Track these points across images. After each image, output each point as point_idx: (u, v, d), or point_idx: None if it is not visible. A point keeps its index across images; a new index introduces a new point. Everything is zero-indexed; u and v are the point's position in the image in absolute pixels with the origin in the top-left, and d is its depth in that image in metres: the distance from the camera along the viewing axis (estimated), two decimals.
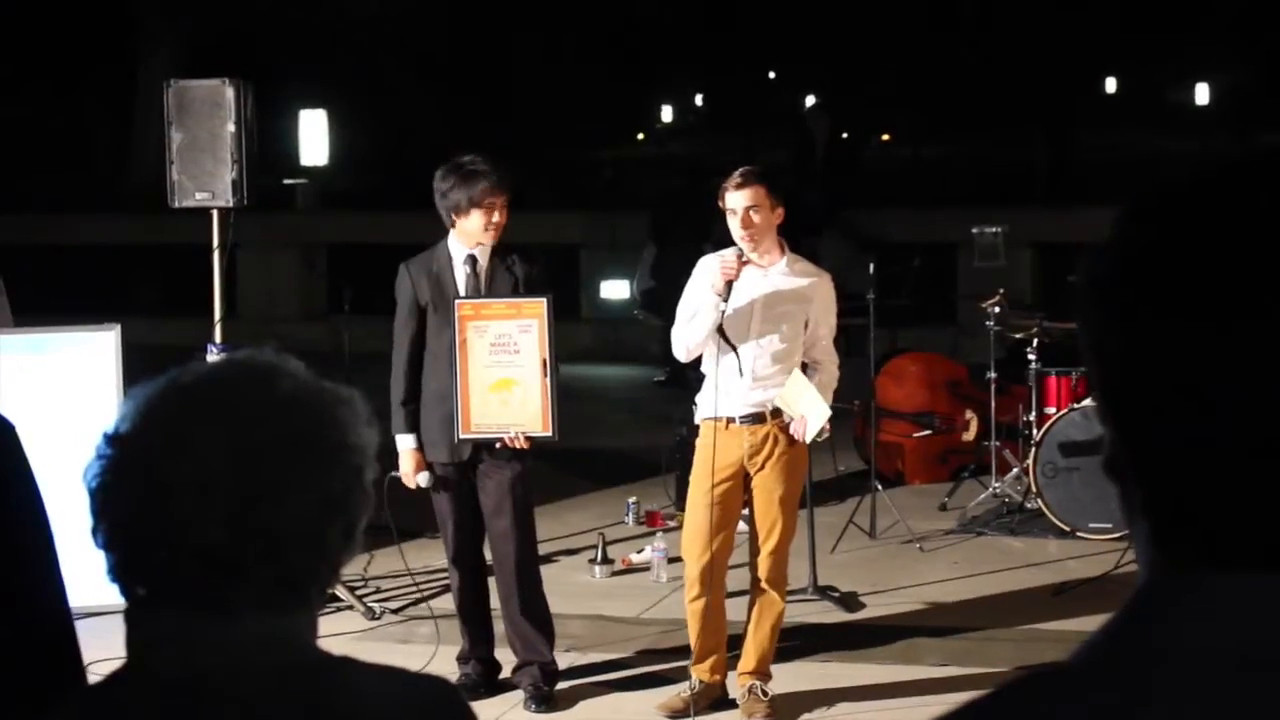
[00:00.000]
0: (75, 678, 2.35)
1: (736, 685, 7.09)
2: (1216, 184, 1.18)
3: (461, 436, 7.01)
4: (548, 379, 6.96)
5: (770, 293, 6.86)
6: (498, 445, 7.03)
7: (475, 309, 6.99)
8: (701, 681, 7.05)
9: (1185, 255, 1.15)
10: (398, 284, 7.19)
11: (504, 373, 6.98)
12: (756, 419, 6.88)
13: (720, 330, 6.80)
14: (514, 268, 7.12)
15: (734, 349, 6.85)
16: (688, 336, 6.90)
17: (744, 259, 6.78)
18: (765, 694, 7.02)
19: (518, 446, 6.98)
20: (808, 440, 6.90)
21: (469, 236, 7.05)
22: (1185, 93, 48.85)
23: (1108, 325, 1.19)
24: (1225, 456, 1.14)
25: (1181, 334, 1.14)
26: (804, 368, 7.00)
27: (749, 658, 7.06)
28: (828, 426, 6.97)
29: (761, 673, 7.05)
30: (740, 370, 6.85)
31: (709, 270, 6.85)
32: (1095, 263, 1.21)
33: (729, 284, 6.75)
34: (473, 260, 7.10)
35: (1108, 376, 1.20)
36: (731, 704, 7.08)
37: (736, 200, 6.76)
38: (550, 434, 6.99)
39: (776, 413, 6.88)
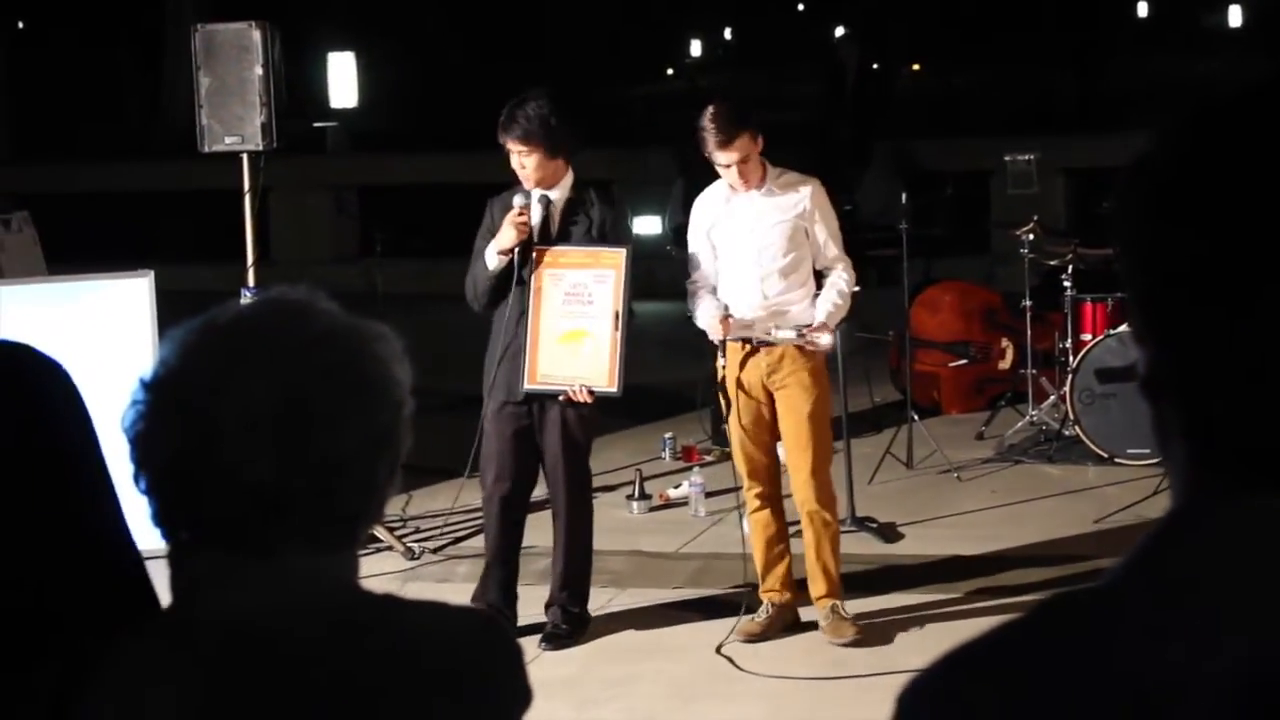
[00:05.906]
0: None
1: (816, 610, 7.11)
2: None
3: (527, 387, 6.94)
4: (618, 332, 6.89)
5: (759, 213, 6.98)
6: (560, 399, 6.96)
7: (554, 256, 6.94)
8: (773, 604, 7.09)
9: (1247, 157, 1.13)
10: (485, 218, 7.11)
11: (576, 324, 6.91)
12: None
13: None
14: (591, 209, 7.04)
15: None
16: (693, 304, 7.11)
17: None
18: (847, 613, 7.05)
19: (580, 400, 6.90)
20: (822, 345, 6.94)
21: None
22: (1218, 15, 48.36)
23: (1159, 228, 1.16)
24: (1273, 376, 1.12)
25: (1238, 236, 1.12)
26: (819, 276, 7.04)
27: (818, 582, 7.08)
28: (829, 338, 6.98)
29: (835, 594, 7.08)
30: (751, 292, 6.97)
31: (700, 209, 7.10)
32: (1152, 162, 1.18)
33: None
34: (547, 200, 7.04)
35: (1152, 286, 1.18)
36: (803, 628, 7.10)
37: (729, 158, 6.87)
38: (615, 389, 6.90)
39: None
